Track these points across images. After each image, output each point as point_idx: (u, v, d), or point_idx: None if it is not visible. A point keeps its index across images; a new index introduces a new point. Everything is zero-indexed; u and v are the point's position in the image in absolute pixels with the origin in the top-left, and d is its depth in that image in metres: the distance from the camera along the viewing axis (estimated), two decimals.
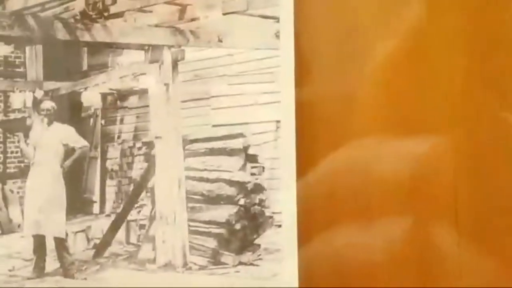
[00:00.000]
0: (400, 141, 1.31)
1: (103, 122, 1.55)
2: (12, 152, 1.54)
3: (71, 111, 1.53)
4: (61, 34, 1.46)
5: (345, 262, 1.33)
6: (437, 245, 1.30)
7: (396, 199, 1.31)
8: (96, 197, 1.56)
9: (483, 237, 1.29)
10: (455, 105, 1.29)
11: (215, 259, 1.41)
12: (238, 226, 1.41)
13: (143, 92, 1.49)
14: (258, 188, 1.39)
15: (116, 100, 1.52)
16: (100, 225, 1.51)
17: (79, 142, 1.52)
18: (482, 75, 1.28)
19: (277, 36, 1.36)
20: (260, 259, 1.38)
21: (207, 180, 1.43)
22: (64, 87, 1.51)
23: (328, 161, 1.34)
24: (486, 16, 1.28)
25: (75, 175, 1.53)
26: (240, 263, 1.40)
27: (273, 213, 1.37)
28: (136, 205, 1.49)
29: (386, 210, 1.32)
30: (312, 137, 1.34)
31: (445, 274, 1.30)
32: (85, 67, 1.50)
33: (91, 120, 1.55)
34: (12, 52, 1.52)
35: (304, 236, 1.33)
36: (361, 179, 1.32)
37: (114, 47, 1.48)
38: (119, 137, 1.53)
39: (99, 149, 1.54)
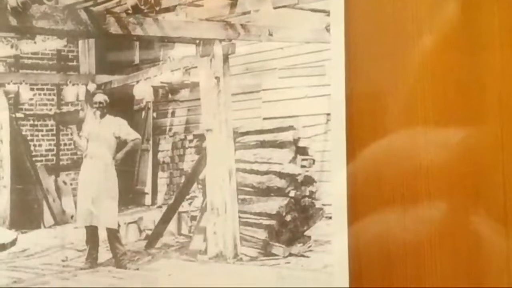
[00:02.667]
0: (444, 131, 1.32)
1: (154, 115, 1.57)
2: (65, 145, 1.56)
3: (123, 104, 1.54)
4: (113, 28, 1.47)
5: (391, 248, 1.34)
6: (484, 234, 1.31)
7: (442, 187, 1.32)
8: (148, 188, 1.58)
9: None
10: (504, 97, 1.29)
11: (266, 250, 1.43)
12: (288, 218, 1.42)
13: (194, 86, 1.50)
14: (309, 180, 1.40)
15: (167, 93, 1.54)
16: (152, 216, 1.53)
17: (131, 135, 1.53)
18: None
19: (327, 29, 1.37)
20: (310, 250, 1.40)
21: (258, 172, 1.44)
22: (116, 80, 1.53)
23: (374, 151, 1.35)
24: None
25: (127, 167, 1.55)
26: (291, 255, 1.41)
27: (324, 205, 1.39)
28: (187, 197, 1.51)
29: (434, 198, 1.33)
30: (361, 129, 1.35)
31: (492, 262, 1.31)
32: (137, 61, 1.52)
33: (143, 113, 1.57)
34: (65, 46, 1.54)
35: (351, 222, 1.34)
36: (408, 168, 1.33)
37: (165, 41, 1.49)
38: (170, 129, 1.55)
39: (151, 142, 1.56)
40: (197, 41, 1.49)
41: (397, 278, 1.35)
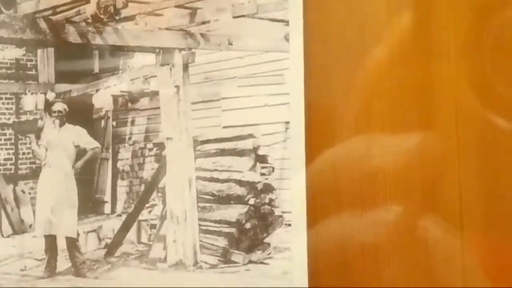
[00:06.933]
0: (401, 137, 1.34)
1: (114, 123, 1.56)
2: (23, 153, 1.55)
3: (83, 113, 1.54)
4: (73, 37, 1.47)
5: (350, 253, 1.36)
6: (440, 237, 1.33)
7: (399, 192, 1.35)
8: (107, 197, 1.58)
9: (488, 238, 1.32)
10: (459, 105, 1.32)
11: (226, 258, 1.43)
12: (248, 225, 1.43)
13: (154, 94, 1.51)
14: (268, 188, 1.41)
15: (127, 102, 1.54)
16: (111, 225, 1.52)
17: (90, 144, 1.53)
18: (484, 78, 1.32)
19: (286, 39, 1.38)
20: (270, 257, 1.40)
21: (218, 180, 1.45)
22: (75, 89, 1.53)
23: (332, 158, 1.36)
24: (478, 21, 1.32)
25: (86, 176, 1.55)
26: (250, 262, 1.42)
27: (283, 212, 1.39)
28: (147, 205, 1.51)
29: (391, 203, 1.35)
30: (319, 136, 1.36)
31: (448, 265, 1.33)
32: (96, 70, 1.52)
33: (103, 121, 1.57)
34: (24, 55, 1.53)
35: (310, 228, 1.36)
36: (366, 175, 1.35)
37: (125, 50, 1.49)
38: (130, 138, 1.55)
39: (110, 150, 1.56)
40: (157, 50, 1.50)
41: (355, 281, 1.36)
